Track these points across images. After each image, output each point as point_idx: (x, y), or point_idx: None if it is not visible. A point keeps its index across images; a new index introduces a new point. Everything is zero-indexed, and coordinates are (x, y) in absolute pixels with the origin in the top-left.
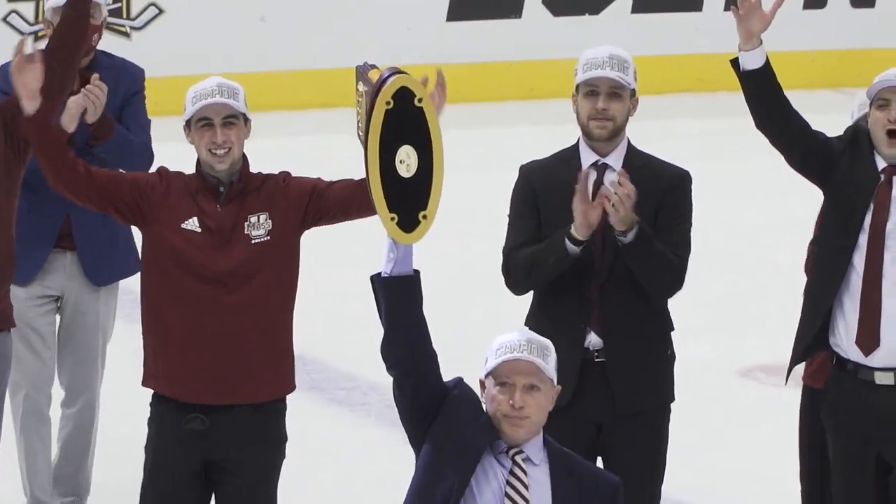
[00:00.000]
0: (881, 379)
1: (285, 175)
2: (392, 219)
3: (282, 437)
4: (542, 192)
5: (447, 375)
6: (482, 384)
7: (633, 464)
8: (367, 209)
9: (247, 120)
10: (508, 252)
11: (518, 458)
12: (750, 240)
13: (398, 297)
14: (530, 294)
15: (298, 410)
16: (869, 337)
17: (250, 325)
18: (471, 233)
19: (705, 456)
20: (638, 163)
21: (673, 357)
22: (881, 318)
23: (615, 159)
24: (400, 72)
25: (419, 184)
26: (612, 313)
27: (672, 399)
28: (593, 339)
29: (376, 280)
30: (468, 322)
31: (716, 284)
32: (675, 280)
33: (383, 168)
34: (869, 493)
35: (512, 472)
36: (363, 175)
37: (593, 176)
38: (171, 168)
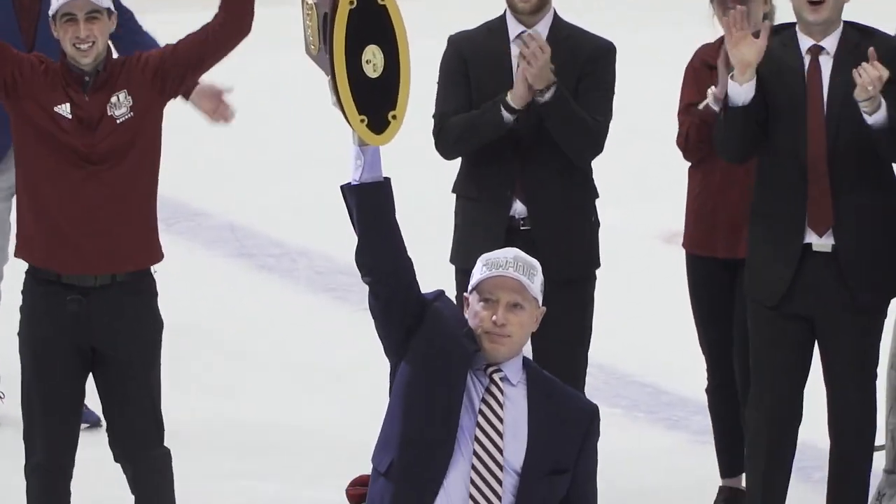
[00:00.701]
0: (819, 246)
1: (139, 52)
2: (362, 121)
3: (158, 318)
4: (472, 60)
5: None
6: (466, 300)
7: (562, 329)
8: (220, 50)
9: (111, 13)
10: (440, 117)
11: (496, 377)
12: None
13: (369, 203)
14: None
15: (228, 276)
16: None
17: (121, 198)
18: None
19: (631, 321)
20: (563, 34)
21: (597, 224)
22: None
23: (541, 30)
24: None
25: (387, 83)
26: (535, 181)
27: (598, 265)
28: (518, 207)
29: (346, 188)
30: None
31: (638, 153)
32: (592, 143)
33: (350, 70)
34: (788, 361)
35: (488, 390)
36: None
37: (519, 45)
38: None
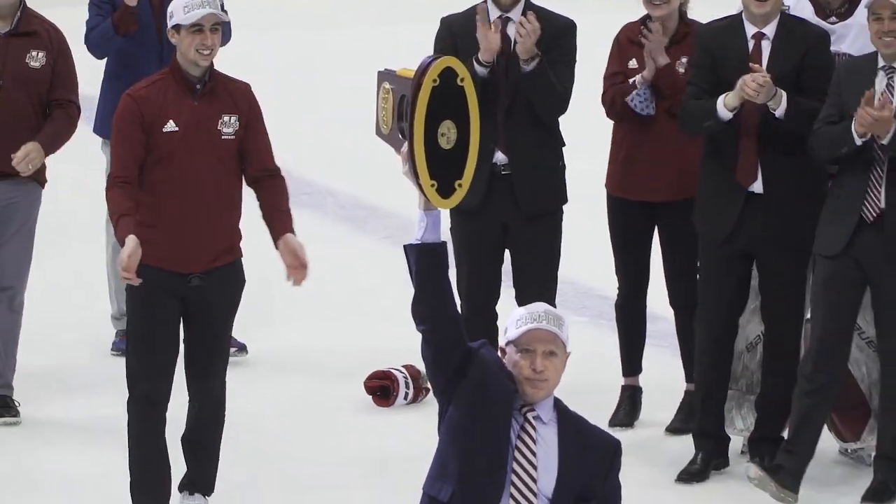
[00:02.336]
0: (756, 187)
1: (248, 87)
2: (432, 185)
3: (243, 280)
4: (459, 36)
5: None
6: (503, 351)
7: (536, 253)
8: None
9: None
10: None
11: (529, 416)
12: None
13: (427, 261)
14: None
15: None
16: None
17: (221, 205)
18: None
19: (593, 246)
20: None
21: (564, 168)
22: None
23: (516, 13)
24: (440, 56)
25: (457, 155)
26: (513, 135)
27: (565, 201)
28: (500, 157)
29: (408, 247)
30: None
31: (597, 111)
32: (560, 105)
33: (427, 142)
34: (733, 292)
35: (523, 428)
36: None
37: (499, 25)
38: None
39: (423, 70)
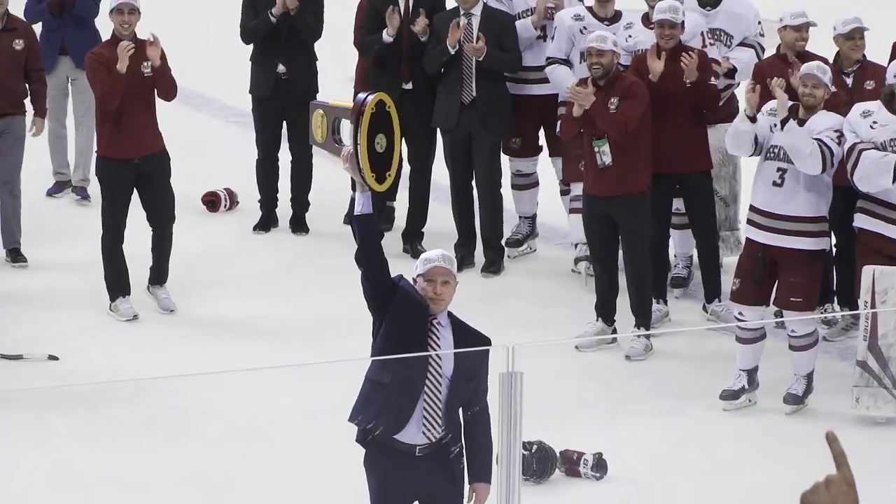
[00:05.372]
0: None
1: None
2: (372, 175)
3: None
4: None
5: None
6: (415, 280)
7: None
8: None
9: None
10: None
11: (433, 322)
12: None
13: (364, 225)
14: None
15: None
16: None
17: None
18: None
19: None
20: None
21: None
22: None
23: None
24: (374, 92)
25: (387, 156)
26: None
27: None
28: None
29: (353, 216)
30: None
31: None
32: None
33: (369, 147)
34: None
35: (430, 329)
36: None
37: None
38: None
39: (363, 101)
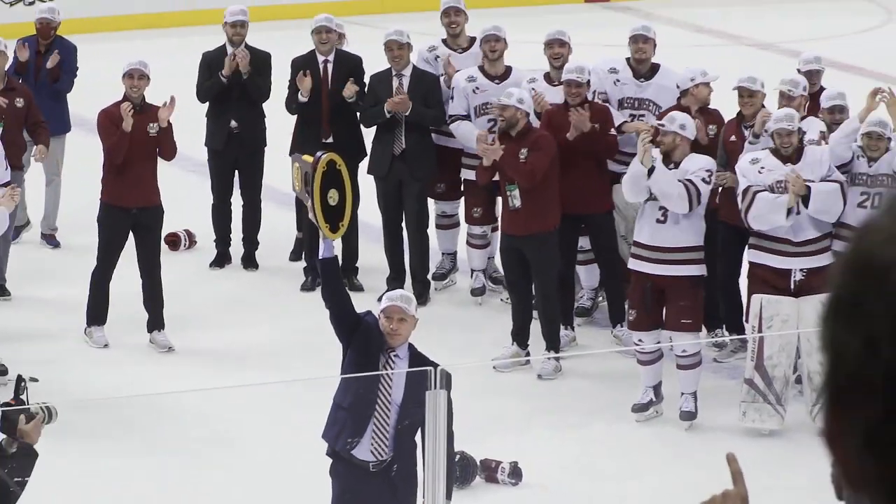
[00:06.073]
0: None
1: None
2: (326, 226)
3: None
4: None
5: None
6: (379, 316)
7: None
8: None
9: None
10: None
11: (390, 354)
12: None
13: (329, 269)
14: None
15: None
16: None
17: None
18: None
19: None
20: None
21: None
22: None
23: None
24: (327, 152)
25: (339, 208)
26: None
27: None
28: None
29: (318, 260)
30: None
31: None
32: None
33: (322, 200)
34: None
35: (388, 361)
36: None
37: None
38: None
39: (316, 161)
